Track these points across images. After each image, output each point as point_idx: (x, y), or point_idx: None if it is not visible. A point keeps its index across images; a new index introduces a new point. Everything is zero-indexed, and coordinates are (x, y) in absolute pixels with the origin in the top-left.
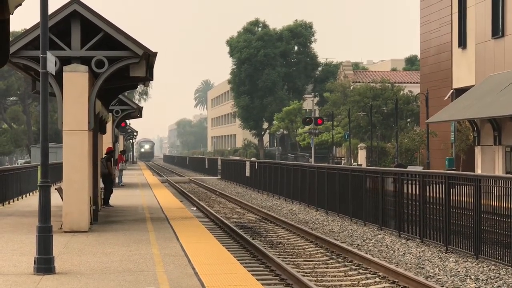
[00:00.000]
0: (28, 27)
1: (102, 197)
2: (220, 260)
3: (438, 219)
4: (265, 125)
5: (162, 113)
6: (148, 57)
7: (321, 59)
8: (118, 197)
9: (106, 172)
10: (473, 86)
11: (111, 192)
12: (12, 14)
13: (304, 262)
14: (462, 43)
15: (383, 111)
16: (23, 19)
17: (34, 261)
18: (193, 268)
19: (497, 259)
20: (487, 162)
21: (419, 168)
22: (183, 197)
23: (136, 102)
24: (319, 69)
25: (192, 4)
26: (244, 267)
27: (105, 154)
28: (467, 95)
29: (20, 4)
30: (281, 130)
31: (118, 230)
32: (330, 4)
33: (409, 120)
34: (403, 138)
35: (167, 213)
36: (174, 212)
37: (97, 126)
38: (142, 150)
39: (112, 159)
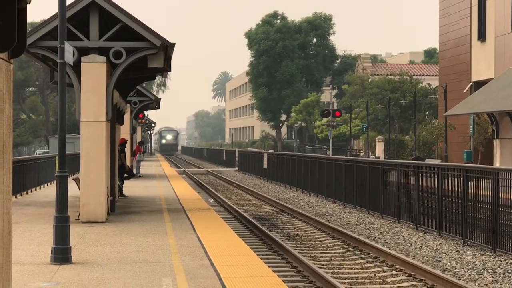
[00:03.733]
0: (47, 18)
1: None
2: (236, 252)
3: (455, 212)
4: (283, 117)
5: (180, 104)
6: (166, 48)
7: (340, 51)
8: (135, 188)
9: (120, 164)
10: (492, 79)
11: (123, 183)
12: (29, 3)
13: (321, 254)
14: (482, 36)
15: (401, 103)
16: (42, 9)
17: (51, 250)
18: (210, 259)
19: None
20: (506, 156)
21: (437, 161)
22: (200, 188)
23: (154, 93)
24: (338, 61)
25: None
26: (261, 258)
27: (118, 145)
28: (486, 88)
29: None
30: (299, 122)
31: (135, 221)
32: None
33: (427, 113)
34: (421, 131)
35: (184, 204)
36: (191, 203)
37: (114, 117)
38: (163, 141)
39: (125, 150)
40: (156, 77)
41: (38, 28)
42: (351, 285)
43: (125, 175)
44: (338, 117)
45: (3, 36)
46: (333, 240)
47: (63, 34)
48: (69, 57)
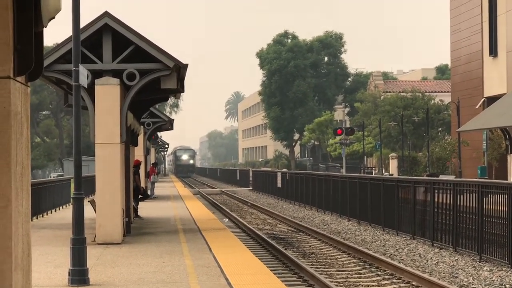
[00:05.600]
0: (58, 42)
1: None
2: (253, 270)
3: (471, 228)
4: (296, 136)
5: (193, 125)
6: (179, 69)
7: (351, 69)
8: (150, 209)
9: (134, 186)
10: (504, 94)
11: (137, 204)
12: (46, 27)
13: (337, 272)
14: (493, 51)
15: (414, 120)
16: (53, 33)
17: (69, 272)
18: (226, 279)
19: None
20: None
21: (451, 177)
22: (215, 208)
23: (167, 114)
24: (350, 79)
25: (222, 17)
26: (277, 277)
27: (133, 167)
28: (499, 103)
29: (54, 17)
30: (312, 141)
31: (151, 242)
32: (359, 14)
33: (440, 129)
34: (435, 147)
35: (199, 224)
36: (206, 224)
37: (129, 139)
38: (179, 162)
39: (139, 171)
40: (169, 98)
41: (52, 51)
42: None
43: (140, 196)
44: (351, 135)
45: (21, 59)
46: (349, 258)
47: (77, 57)
48: (84, 80)
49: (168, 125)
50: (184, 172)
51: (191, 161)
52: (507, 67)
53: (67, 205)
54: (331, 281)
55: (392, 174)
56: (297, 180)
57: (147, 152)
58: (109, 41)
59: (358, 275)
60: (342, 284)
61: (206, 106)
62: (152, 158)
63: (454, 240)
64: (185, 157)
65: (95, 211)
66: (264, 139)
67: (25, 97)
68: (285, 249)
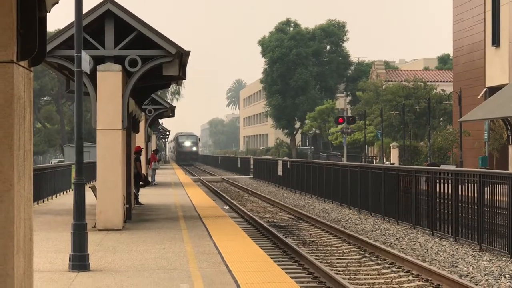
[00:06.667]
0: (60, 27)
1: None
2: (253, 258)
3: (471, 217)
4: (297, 125)
5: (194, 112)
6: (181, 56)
7: (354, 58)
8: (151, 196)
9: (135, 172)
10: (506, 84)
11: (138, 191)
12: (49, 12)
13: (337, 261)
14: (496, 42)
15: (415, 110)
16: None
17: (69, 258)
18: (227, 266)
19: None
20: None
21: (452, 167)
22: (215, 196)
23: (169, 101)
24: (352, 68)
25: (224, 3)
26: (278, 265)
27: (134, 153)
28: (501, 94)
29: (57, 2)
30: (314, 129)
31: (152, 228)
32: (362, 3)
33: (441, 119)
34: (436, 137)
35: (199, 211)
36: (206, 211)
37: (130, 125)
38: (181, 148)
39: (140, 158)
40: (171, 85)
41: (54, 37)
42: None
43: (141, 183)
44: (353, 124)
45: (24, 44)
46: (349, 246)
47: (79, 42)
48: (86, 66)
49: (169, 112)
50: (187, 160)
51: (194, 148)
52: (510, 57)
53: (68, 191)
54: (331, 269)
55: (393, 163)
56: (298, 168)
57: (148, 139)
58: (111, 27)
59: (358, 264)
60: (342, 273)
61: (207, 94)
62: (153, 145)
63: (455, 229)
64: (187, 143)
65: (95, 197)
66: (265, 127)
67: (28, 82)
68: (286, 237)
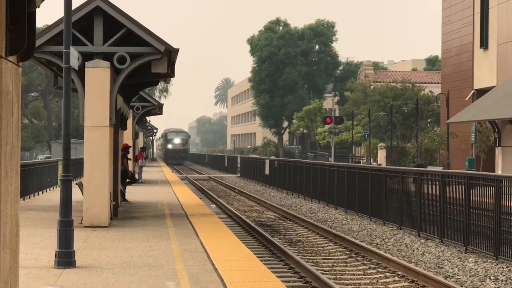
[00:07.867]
0: (49, 23)
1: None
2: (239, 257)
3: (458, 219)
4: (285, 124)
5: (182, 110)
6: (170, 54)
7: (342, 58)
8: (138, 193)
9: (122, 169)
10: (494, 86)
11: (125, 188)
12: (38, 7)
13: (323, 260)
14: (484, 44)
15: (403, 111)
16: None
17: (55, 254)
18: (213, 264)
19: None
20: (508, 163)
21: (439, 168)
22: (202, 194)
23: (157, 99)
24: (340, 68)
25: (213, 2)
26: (264, 264)
27: (121, 151)
28: (488, 96)
29: None
30: (301, 129)
31: (138, 226)
32: (352, 4)
33: (429, 120)
34: (423, 138)
35: (186, 209)
36: (193, 209)
37: (118, 122)
38: (170, 146)
39: (127, 155)
40: (159, 83)
41: (43, 33)
42: None
43: (127, 180)
44: (340, 124)
45: (13, 39)
46: (335, 246)
47: (68, 39)
48: (74, 62)
49: (157, 109)
50: (176, 158)
51: (184, 146)
52: (498, 59)
53: (54, 187)
54: (317, 269)
55: (380, 164)
56: (285, 167)
57: (135, 136)
58: (100, 23)
59: (344, 264)
60: (328, 272)
61: (195, 92)
62: (140, 143)
63: (441, 231)
64: (177, 140)
65: (82, 193)
66: (253, 126)
67: (16, 77)
68: (272, 236)
